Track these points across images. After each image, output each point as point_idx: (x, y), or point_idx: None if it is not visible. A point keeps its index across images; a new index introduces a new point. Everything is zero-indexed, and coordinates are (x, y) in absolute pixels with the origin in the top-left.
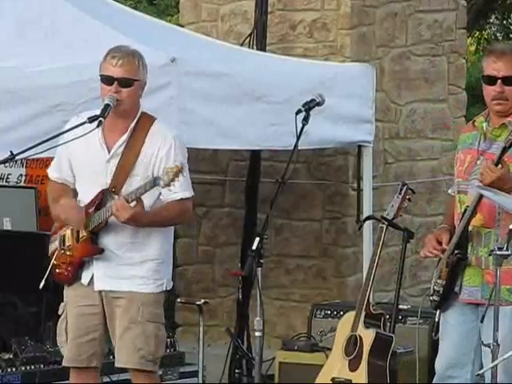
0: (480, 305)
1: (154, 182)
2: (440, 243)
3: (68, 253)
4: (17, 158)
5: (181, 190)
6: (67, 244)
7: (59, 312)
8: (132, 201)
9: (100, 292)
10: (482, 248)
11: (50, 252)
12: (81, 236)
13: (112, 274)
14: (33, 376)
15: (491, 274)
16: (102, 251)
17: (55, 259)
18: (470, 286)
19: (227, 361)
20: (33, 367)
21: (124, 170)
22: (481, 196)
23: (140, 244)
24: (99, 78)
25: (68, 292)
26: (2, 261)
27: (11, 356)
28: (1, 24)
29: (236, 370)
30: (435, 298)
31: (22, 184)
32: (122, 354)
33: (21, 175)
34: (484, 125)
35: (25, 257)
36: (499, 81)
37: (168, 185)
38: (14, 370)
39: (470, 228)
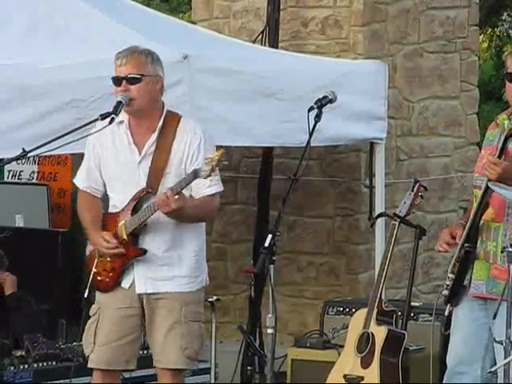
0: (487, 300)
1: (194, 174)
2: (454, 238)
3: (109, 259)
4: (29, 155)
5: (213, 184)
6: None
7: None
8: (175, 194)
9: (140, 294)
10: (491, 242)
11: (87, 258)
12: (120, 240)
13: (153, 276)
14: (45, 373)
15: (498, 268)
16: (144, 252)
17: (95, 267)
18: (476, 280)
19: (239, 358)
20: (45, 364)
21: (158, 169)
22: (486, 190)
23: (177, 242)
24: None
25: (103, 297)
26: (15, 257)
27: (23, 353)
28: (13, 21)
29: (248, 367)
30: (446, 292)
31: (34, 181)
32: (168, 355)
33: (33, 172)
34: (506, 122)
35: (37, 253)
36: None
37: (209, 175)
38: (26, 367)
39: (480, 222)
